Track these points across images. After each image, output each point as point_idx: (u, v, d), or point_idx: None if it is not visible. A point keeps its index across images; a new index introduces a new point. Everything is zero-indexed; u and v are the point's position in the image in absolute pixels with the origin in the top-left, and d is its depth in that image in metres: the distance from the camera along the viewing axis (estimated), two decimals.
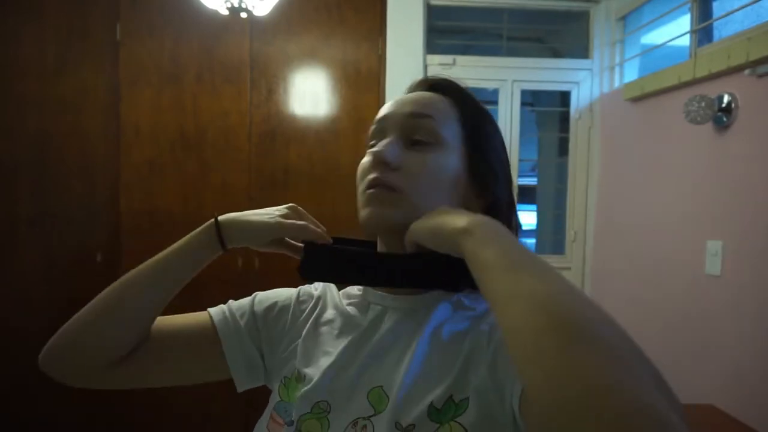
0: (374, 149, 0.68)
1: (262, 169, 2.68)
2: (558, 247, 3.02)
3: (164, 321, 0.75)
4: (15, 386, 2.59)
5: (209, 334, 0.75)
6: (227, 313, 0.76)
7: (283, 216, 0.74)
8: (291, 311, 0.77)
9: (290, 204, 0.77)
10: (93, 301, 0.71)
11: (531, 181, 3.91)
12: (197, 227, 0.76)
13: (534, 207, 3.48)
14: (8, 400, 2.58)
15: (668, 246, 2.17)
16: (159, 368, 0.74)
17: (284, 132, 2.69)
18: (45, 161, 2.60)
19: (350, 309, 0.73)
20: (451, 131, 0.70)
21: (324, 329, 0.73)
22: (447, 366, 0.62)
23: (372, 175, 0.67)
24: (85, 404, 2.64)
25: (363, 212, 0.68)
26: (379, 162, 0.67)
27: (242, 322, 0.76)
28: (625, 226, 2.54)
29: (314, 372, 0.68)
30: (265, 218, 0.73)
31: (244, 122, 2.67)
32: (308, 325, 0.74)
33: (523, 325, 0.43)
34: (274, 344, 0.75)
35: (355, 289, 0.77)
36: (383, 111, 0.73)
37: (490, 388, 0.59)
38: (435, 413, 0.59)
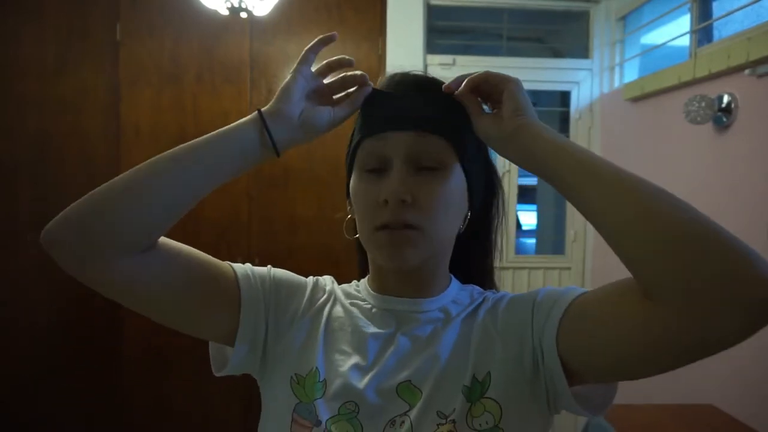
0: (389, 190, 0.64)
1: (262, 169, 2.68)
2: (558, 247, 3.02)
3: (190, 248, 0.69)
4: (15, 386, 2.60)
5: (230, 284, 0.69)
6: (249, 272, 0.71)
7: (298, 64, 0.71)
8: (306, 296, 0.74)
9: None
10: (126, 174, 0.63)
11: (531, 181, 3.90)
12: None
13: (534, 207, 3.48)
14: (8, 400, 2.58)
15: None
16: (168, 283, 0.65)
17: None
18: (45, 161, 2.60)
19: (356, 311, 0.73)
20: (454, 140, 0.69)
21: (335, 325, 0.72)
22: (463, 350, 0.67)
23: (387, 217, 0.65)
24: (85, 404, 2.64)
25: (380, 254, 0.68)
26: (396, 203, 0.65)
27: (261, 287, 0.71)
28: None
29: (332, 373, 0.68)
30: (287, 79, 0.70)
31: None
32: (323, 321, 0.72)
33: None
34: (281, 323, 0.71)
35: (351, 288, 0.78)
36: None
37: (508, 354, 0.65)
38: (467, 392, 0.64)
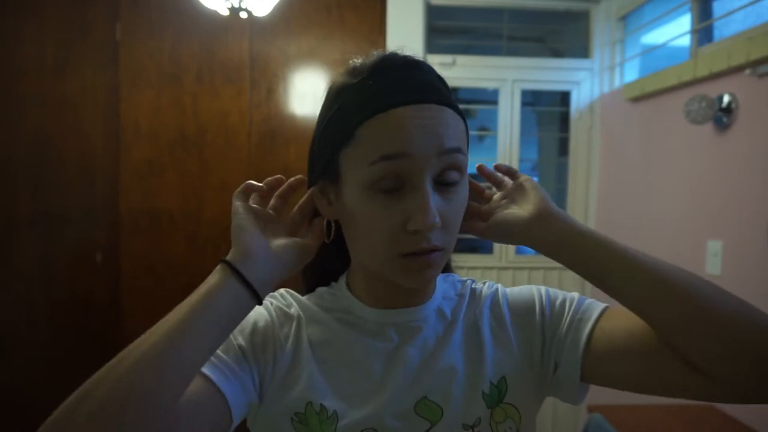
0: (423, 222, 0.57)
1: (262, 169, 2.68)
2: None
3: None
4: (15, 386, 2.59)
5: (212, 393, 0.59)
6: (215, 360, 0.61)
7: (239, 205, 0.64)
8: (274, 338, 0.66)
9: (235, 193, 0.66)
10: (110, 378, 0.51)
11: None
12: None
13: None
14: (7, 400, 2.57)
15: (668, 246, 2.17)
16: None
17: (284, 132, 2.69)
18: (45, 161, 2.60)
19: (345, 327, 0.67)
20: (467, 153, 0.64)
21: (323, 351, 0.66)
22: (477, 357, 0.66)
23: (417, 245, 0.58)
24: None
25: (401, 278, 0.61)
26: (429, 231, 0.58)
27: (230, 359, 0.62)
28: (625, 226, 2.54)
29: (339, 402, 0.63)
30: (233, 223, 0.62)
31: (244, 122, 2.67)
32: (303, 350, 0.66)
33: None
34: (265, 372, 0.65)
35: (325, 301, 0.70)
36: (402, 143, 0.57)
37: (522, 360, 0.67)
38: (487, 398, 0.64)
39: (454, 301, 0.71)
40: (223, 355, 0.61)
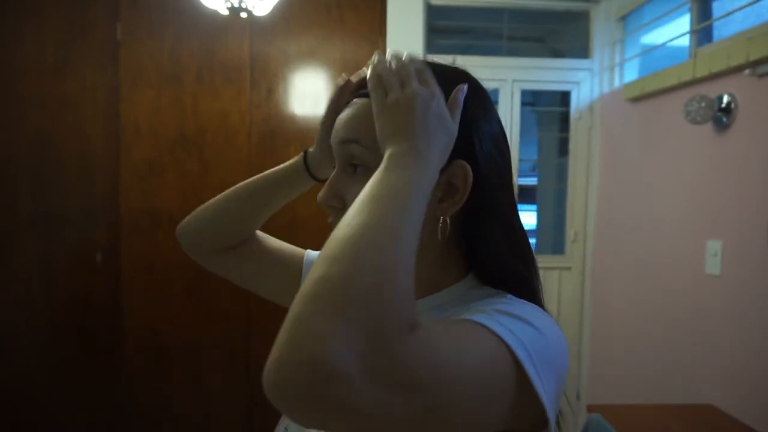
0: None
1: (262, 169, 2.63)
2: (558, 247, 3.02)
3: (269, 238, 0.91)
4: (15, 386, 2.60)
5: (297, 263, 0.87)
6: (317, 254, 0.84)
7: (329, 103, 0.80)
8: None
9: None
10: (223, 196, 0.90)
11: (531, 181, 3.91)
12: None
13: (534, 207, 3.48)
14: (7, 400, 2.58)
15: (668, 246, 2.17)
16: (250, 267, 0.89)
17: (284, 132, 2.69)
18: (45, 161, 2.60)
19: None
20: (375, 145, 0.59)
21: None
22: None
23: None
24: (85, 404, 2.64)
25: None
26: (326, 207, 0.68)
27: None
28: (625, 226, 2.54)
29: None
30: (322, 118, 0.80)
31: (244, 122, 2.67)
32: None
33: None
34: None
35: None
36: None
37: None
38: None
39: (447, 312, 0.61)
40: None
